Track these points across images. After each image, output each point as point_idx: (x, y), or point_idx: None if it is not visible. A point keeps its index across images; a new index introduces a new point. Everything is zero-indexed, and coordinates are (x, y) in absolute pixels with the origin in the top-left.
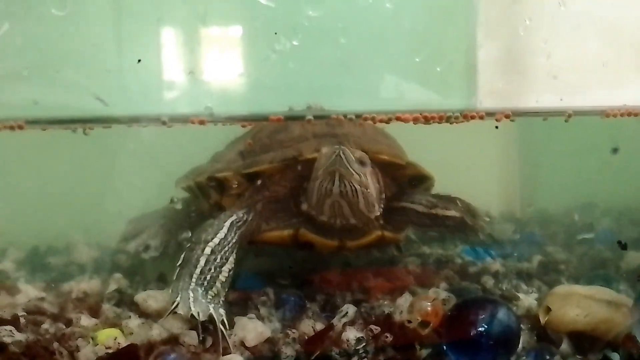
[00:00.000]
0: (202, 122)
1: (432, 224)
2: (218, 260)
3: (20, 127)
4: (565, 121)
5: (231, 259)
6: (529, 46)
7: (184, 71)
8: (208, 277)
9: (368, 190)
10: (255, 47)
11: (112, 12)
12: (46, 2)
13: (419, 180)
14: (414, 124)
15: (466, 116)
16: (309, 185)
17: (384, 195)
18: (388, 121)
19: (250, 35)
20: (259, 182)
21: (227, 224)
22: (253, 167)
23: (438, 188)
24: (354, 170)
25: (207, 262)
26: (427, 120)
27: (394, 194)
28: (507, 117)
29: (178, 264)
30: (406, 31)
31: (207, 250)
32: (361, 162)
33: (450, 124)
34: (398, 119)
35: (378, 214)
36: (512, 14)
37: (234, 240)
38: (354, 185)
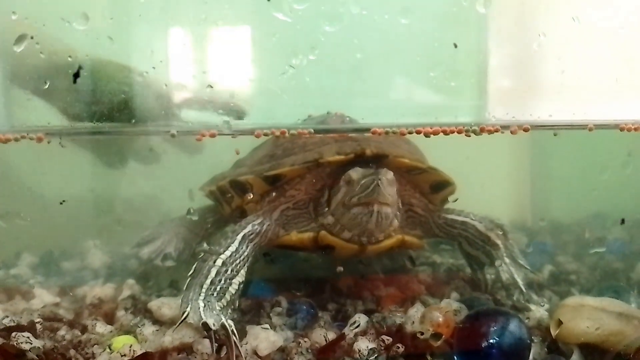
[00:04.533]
0: (212, 135)
1: (481, 244)
2: (229, 272)
3: (40, 139)
4: (555, 134)
5: (242, 272)
6: (542, 59)
7: (203, 85)
8: (218, 288)
9: (395, 209)
10: (273, 61)
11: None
12: (69, 16)
13: (440, 186)
14: (434, 135)
15: (483, 129)
16: (336, 201)
17: (400, 203)
18: (409, 134)
19: (268, 50)
20: (279, 186)
21: (239, 237)
22: (274, 170)
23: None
24: (390, 195)
25: (217, 273)
26: (446, 133)
27: (425, 201)
28: (525, 130)
29: (189, 274)
30: (420, 44)
31: (219, 262)
32: (392, 184)
33: (468, 136)
34: (418, 132)
35: (397, 222)
36: (523, 28)
37: (245, 253)
38: (388, 214)
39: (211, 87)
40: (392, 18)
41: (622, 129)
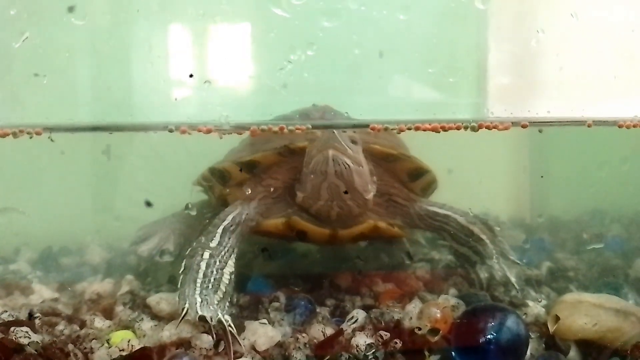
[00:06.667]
0: (209, 131)
1: (465, 239)
2: (218, 263)
3: (38, 133)
4: (540, 131)
5: (230, 262)
6: (540, 56)
7: (200, 81)
8: (212, 280)
9: (361, 168)
10: (271, 57)
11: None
12: (67, 12)
13: (417, 174)
14: (433, 131)
15: (481, 126)
16: (303, 173)
17: (375, 178)
18: (407, 130)
19: (266, 46)
20: (255, 173)
21: (220, 229)
22: (247, 157)
23: (449, 193)
24: (346, 145)
25: (207, 265)
26: (444, 130)
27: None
28: (523, 126)
29: (180, 272)
30: (419, 40)
31: (206, 255)
32: (353, 141)
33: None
34: (417, 128)
35: (372, 194)
36: (522, 24)
37: (229, 244)
38: (347, 163)
39: (209, 82)
40: (390, 14)
41: (620, 126)
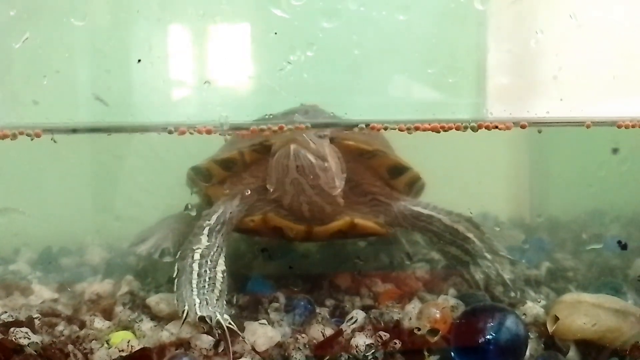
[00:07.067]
0: (208, 132)
1: (450, 238)
2: (209, 263)
3: (37, 135)
4: (539, 131)
5: (221, 261)
6: (539, 56)
7: (200, 81)
8: (207, 279)
9: (326, 164)
10: (270, 57)
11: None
12: (67, 13)
13: (397, 170)
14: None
15: (480, 126)
16: (268, 167)
17: (345, 175)
18: (407, 130)
19: (266, 46)
20: (237, 172)
21: (206, 231)
22: (224, 155)
23: (448, 194)
24: (310, 140)
25: (200, 265)
26: (444, 129)
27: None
28: (522, 127)
29: (174, 275)
30: (419, 40)
31: (196, 256)
32: (319, 135)
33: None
34: (417, 128)
35: (339, 190)
36: (521, 25)
37: (217, 244)
38: (309, 158)
39: (209, 83)
40: (390, 14)
41: (619, 126)
